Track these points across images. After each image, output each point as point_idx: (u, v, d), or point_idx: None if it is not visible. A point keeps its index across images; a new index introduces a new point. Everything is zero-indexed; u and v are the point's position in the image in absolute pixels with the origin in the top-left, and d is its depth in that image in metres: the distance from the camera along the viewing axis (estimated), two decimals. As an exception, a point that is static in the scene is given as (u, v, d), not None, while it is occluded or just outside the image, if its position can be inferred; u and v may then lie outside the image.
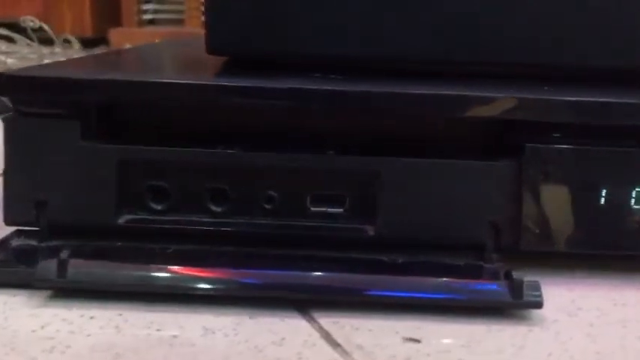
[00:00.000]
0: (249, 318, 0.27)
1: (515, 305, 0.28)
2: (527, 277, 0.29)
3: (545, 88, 0.34)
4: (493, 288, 0.28)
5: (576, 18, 0.35)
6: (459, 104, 0.31)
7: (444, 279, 0.28)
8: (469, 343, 0.26)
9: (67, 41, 0.88)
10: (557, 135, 0.31)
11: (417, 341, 0.25)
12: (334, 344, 0.25)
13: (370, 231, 0.33)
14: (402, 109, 0.32)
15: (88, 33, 1.36)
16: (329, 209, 0.33)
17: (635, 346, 0.26)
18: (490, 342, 0.26)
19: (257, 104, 0.32)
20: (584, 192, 0.32)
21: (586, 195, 0.32)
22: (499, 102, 0.31)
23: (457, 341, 0.26)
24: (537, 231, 0.32)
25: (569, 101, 0.31)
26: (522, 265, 0.32)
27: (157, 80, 0.32)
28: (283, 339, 0.25)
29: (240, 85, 0.32)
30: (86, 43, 1.26)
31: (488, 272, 0.31)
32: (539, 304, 0.27)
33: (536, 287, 0.28)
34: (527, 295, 0.27)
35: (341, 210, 0.33)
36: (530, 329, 0.27)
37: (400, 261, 0.32)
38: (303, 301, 0.28)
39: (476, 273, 0.31)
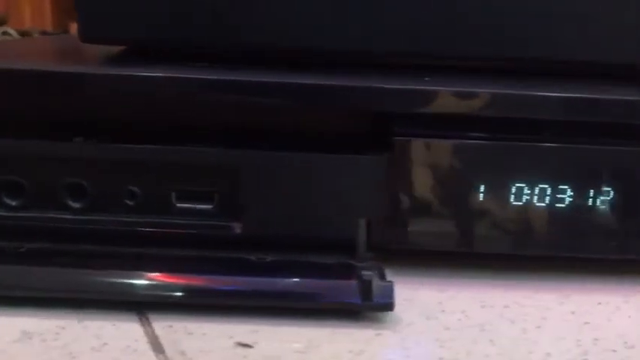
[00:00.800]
0: (78, 322, 0.25)
1: (362, 307, 0.26)
2: (399, 277, 0.28)
3: (426, 78, 0.32)
4: (342, 289, 0.26)
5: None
6: (325, 94, 0.30)
7: (293, 279, 0.27)
8: (307, 348, 0.24)
9: (6, 34, 0.87)
10: (428, 127, 0.30)
11: (249, 346, 0.24)
12: (159, 350, 0.23)
13: (237, 229, 0.31)
14: (269, 99, 0.30)
15: (49, 27, 1.34)
16: (197, 206, 0.31)
17: (484, 351, 0.24)
18: (329, 346, 0.24)
19: (117, 93, 0.30)
20: (459, 188, 0.30)
21: (461, 191, 0.30)
22: (367, 92, 0.29)
23: (294, 346, 0.24)
24: (407, 228, 0.30)
25: (439, 91, 0.29)
26: (403, 264, 0.31)
27: (5, 67, 0.30)
28: (105, 344, 0.24)
29: (96, 72, 0.30)
30: (46, 38, 1.24)
31: (353, 270, 0.29)
32: (389, 306, 0.26)
33: (389, 289, 0.26)
34: (377, 297, 0.26)
35: (210, 207, 0.31)
36: (379, 333, 0.25)
37: (268, 260, 0.30)
38: (145, 304, 0.26)
39: (341, 271, 0.29)
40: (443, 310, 0.27)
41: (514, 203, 0.30)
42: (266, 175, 0.30)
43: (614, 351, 0.25)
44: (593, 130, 0.30)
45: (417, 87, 0.30)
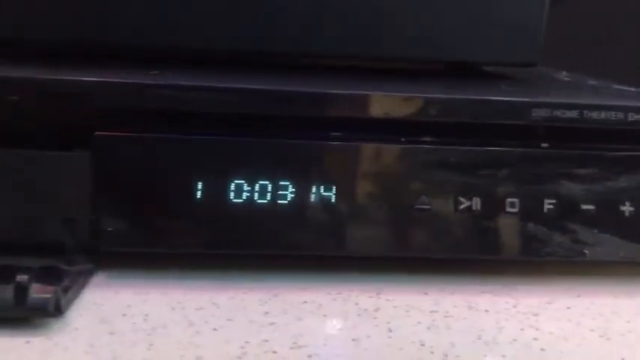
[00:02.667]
0: None
1: (17, 313, 0.24)
2: (114, 280, 0.27)
3: (153, 72, 0.31)
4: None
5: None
6: (22, 88, 0.28)
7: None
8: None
9: None
10: (129, 123, 0.28)
11: None
12: None
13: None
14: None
15: None
16: None
17: (137, 356, 0.23)
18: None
19: None
20: (170, 185, 0.29)
21: (176, 188, 0.29)
22: (67, 86, 0.28)
23: None
24: (111, 229, 0.29)
25: (138, 85, 0.28)
26: (133, 266, 0.29)
27: None
28: None
29: None
30: None
31: (65, 275, 0.28)
32: (48, 313, 0.24)
33: (49, 294, 0.24)
34: (33, 303, 0.24)
35: None
36: (30, 341, 0.23)
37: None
38: None
39: (50, 277, 0.28)
40: (125, 314, 0.26)
41: (235, 200, 0.30)
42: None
43: (275, 352, 0.24)
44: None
45: (117, 80, 0.28)
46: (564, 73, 0.44)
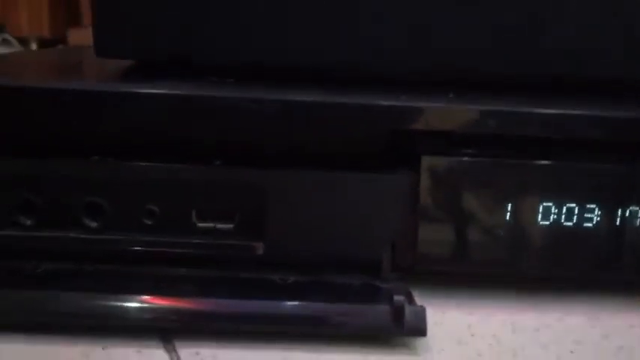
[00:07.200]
0: (102, 349, 0.24)
1: (394, 332, 0.25)
2: (426, 299, 0.27)
3: (450, 95, 0.31)
4: (373, 314, 0.26)
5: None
6: (350, 113, 0.29)
7: (323, 304, 0.26)
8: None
9: (6, 41, 0.85)
10: (456, 146, 0.29)
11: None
12: (187, 379, 0.23)
13: (260, 249, 0.30)
14: (292, 117, 0.29)
15: (46, 33, 1.32)
16: (217, 225, 0.31)
17: (521, 378, 0.24)
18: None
19: (133, 111, 0.29)
20: (485, 207, 0.30)
21: (488, 211, 0.30)
22: (391, 110, 0.29)
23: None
24: (434, 250, 0.30)
25: (467, 109, 0.29)
26: (425, 284, 0.30)
27: (19, 85, 0.29)
28: (132, 373, 0.23)
29: (114, 90, 0.29)
30: (44, 44, 1.24)
31: (381, 293, 0.29)
32: (421, 332, 0.25)
33: (421, 313, 0.25)
34: (409, 322, 0.25)
35: (231, 226, 0.30)
36: (410, 360, 0.25)
37: (291, 281, 0.30)
38: (169, 329, 0.26)
39: (369, 294, 0.29)
40: (473, 334, 0.27)
41: (542, 223, 0.30)
42: (290, 193, 0.30)
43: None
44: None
45: (444, 104, 0.29)
46: None
